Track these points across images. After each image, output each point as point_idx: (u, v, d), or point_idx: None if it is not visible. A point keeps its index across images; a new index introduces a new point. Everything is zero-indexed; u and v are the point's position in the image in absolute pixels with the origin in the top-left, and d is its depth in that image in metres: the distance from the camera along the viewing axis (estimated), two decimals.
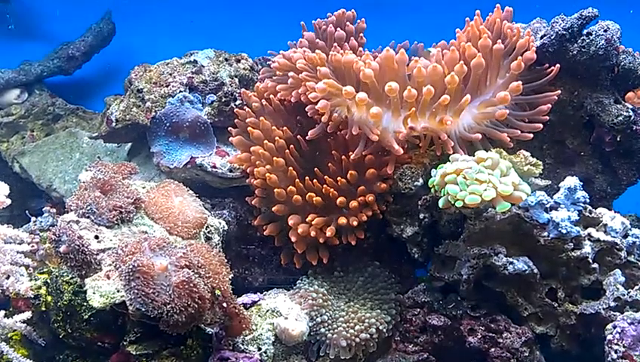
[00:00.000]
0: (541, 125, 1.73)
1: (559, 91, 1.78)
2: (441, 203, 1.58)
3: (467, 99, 1.66)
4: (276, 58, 1.89)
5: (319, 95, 1.67)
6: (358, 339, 1.68)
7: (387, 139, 1.68)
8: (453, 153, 1.65)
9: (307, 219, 1.73)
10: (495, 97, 1.69)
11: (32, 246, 1.76)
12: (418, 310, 1.79)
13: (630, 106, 1.81)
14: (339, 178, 1.75)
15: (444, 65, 1.71)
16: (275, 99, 1.87)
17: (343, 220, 1.71)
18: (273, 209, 1.77)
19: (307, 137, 1.77)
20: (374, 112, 1.64)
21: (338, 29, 1.99)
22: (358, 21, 2.07)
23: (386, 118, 1.70)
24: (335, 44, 1.97)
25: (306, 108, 1.74)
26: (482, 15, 1.84)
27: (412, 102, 1.65)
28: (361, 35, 2.06)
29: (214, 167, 1.96)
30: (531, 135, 1.72)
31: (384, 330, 1.72)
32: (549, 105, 1.74)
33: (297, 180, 1.76)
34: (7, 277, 1.52)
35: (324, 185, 1.76)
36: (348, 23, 2.04)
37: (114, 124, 2.04)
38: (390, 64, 1.72)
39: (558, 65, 1.75)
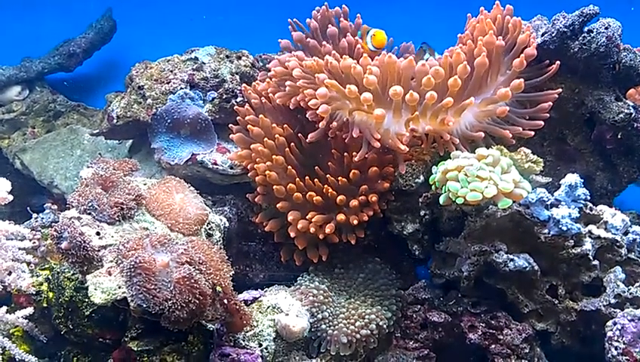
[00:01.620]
0: (542, 123, 1.73)
1: (560, 90, 1.78)
2: (441, 199, 1.58)
3: (471, 102, 1.66)
4: (271, 65, 1.88)
5: (320, 101, 1.66)
6: (358, 336, 1.68)
7: (391, 140, 1.67)
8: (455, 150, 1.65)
9: (307, 217, 1.73)
10: (496, 94, 1.69)
11: (34, 242, 1.76)
12: (419, 306, 1.79)
13: (631, 103, 1.81)
14: (340, 177, 1.75)
15: (449, 66, 1.70)
16: (275, 98, 1.87)
17: (341, 217, 1.71)
18: (277, 205, 1.77)
19: (307, 140, 1.77)
20: (378, 114, 1.63)
21: (330, 25, 1.99)
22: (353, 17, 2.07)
23: (388, 119, 1.70)
24: (325, 42, 1.97)
25: (307, 115, 1.73)
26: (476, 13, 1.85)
27: (414, 105, 1.65)
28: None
29: (215, 163, 1.96)
30: (532, 132, 1.72)
31: (384, 326, 1.72)
32: (550, 103, 1.74)
33: (297, 178, 1.76)
34: (9, 274, 1.52)
35: (325, 185, 1.76)
36: (343, 19, 2.03)
37: (115, 120, 2.04)
38: (392, 69, 1.71)
39: (558, 63, 1.75)
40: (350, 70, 1.69)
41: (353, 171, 1.74)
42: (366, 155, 1.71)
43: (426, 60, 1.81)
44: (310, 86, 1.71)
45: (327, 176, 1.77)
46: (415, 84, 1.70)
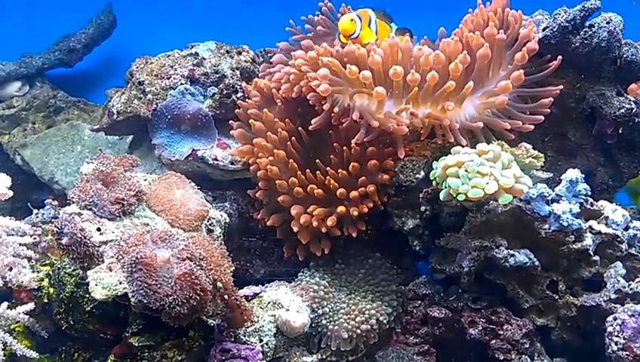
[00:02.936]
0: (542, 117, 1.73)
1: (561, 86, 1.77)
2: (442, 195, 1.58)
3: (470, 86, 1.65)
4: (276, 68, 1.88)
5: (321, 81, 1.66)
6: (359, 331, 1.68)
7: (391, 124, 1.66)
8: (455, 142, 1.65)
9: (308, 210, 1.74)
10: (497, 87, 1.69)
11: (34, 238, 1.76)
12: (419, 302, 1.80)
13: (632, 98, 1.80)
14: (340, 170, 1.75)
15: (448, 55, 1.71)
16: (277, 93, 1.86)
17: (341, 208, 1.71)
18: (279, 199, 1.77)
19: (310, 127, 1.77)
20: (379, 91, 1.63)
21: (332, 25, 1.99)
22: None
23: (388, 105, 1.70)
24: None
25: (308, 96, 1.73)
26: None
27: (415, 86, 1.65)
28: None
29: (216, 159, 1.96)
30: (532, 126, 1.72)
31: (385, 322, 1.73)
32: (551, 99, 1.74)
33: (299, 172, 1.76)
34: (10, 269, 1.52)
35: (326, 177, 1.76)
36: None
37: (115, 116, 2.04)
38: (394, 51, 1.71)
39: (560, 58, 1.74)
40: (354, 54, 1.69)
41: (353, 164, 1.74)
42: (365, 141, 1.70)
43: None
44: (313, 70, 1.71)
45: (328, 168, 1.77)
46: (415, 69, 1.70)
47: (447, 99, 1.67)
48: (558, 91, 1.75)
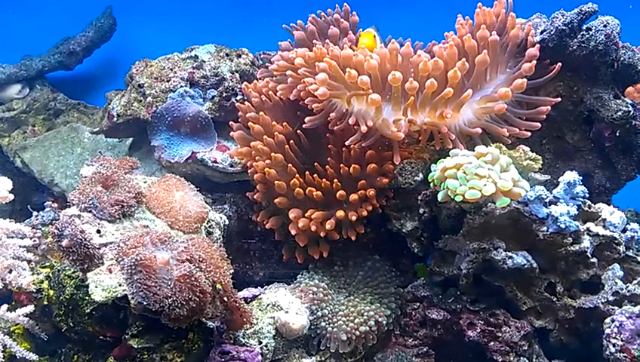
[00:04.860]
0: (539, 125, 1.73)
1: (559, 99, 1.78)
2: (440, 196, 1.59)
3: (469, 94, 1.66)
4: (274, 58, 1.89)
5: (319, 85, 1.67)
6: (357, 333, 1.69)
7: (390, 131, 1.67)
8: (453, 148, 1.66)
9: (307, 214, 1.74)
10: (496, 93, 1.70)
11: (34, 240, 1.76)
12: (418, 304, 1.80)
13: (629, 101, 1.81)
14: (340, 169, 1.75)
15: (446, 60, 1.71)
16: (275, 96, 1.87)
17: (341, 213, 1.72)
18: (276, 201, 1.77)
19: (304, 126, 1.76)
20: (374, 98, 1.63)
21: (332, 27, 1.99)
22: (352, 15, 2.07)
23: (386, 111, 1.70)
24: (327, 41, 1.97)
25: (306, 101, 1.73)
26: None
27: (413, 94, 1.65)
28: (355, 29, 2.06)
29: (215, 161, 1.97)
30: (529, 133, 1.72)
31: (384, 323, 1.73)
32: (549, 107, 1.75)
33: (297, 175, 1.77)
34: (10, 271, 1.53)
35: (324, 179, 1.76)
36: (343, 20, 2.04)
37: (115, 118, 2.05)
38: (393, 57, 1.72)
39: (559, 65, 1.75)
40: (351, 59, 1.70)
41: (353, 166, 1.74)
42: (364, 145, 1.70)
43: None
44: (311, 75, 1.71)
45: (327, 167, 1.77)
46: (413, 76, 1.71)
47: (445, 105, 1.68)
48: (554, 102, 1.76)
